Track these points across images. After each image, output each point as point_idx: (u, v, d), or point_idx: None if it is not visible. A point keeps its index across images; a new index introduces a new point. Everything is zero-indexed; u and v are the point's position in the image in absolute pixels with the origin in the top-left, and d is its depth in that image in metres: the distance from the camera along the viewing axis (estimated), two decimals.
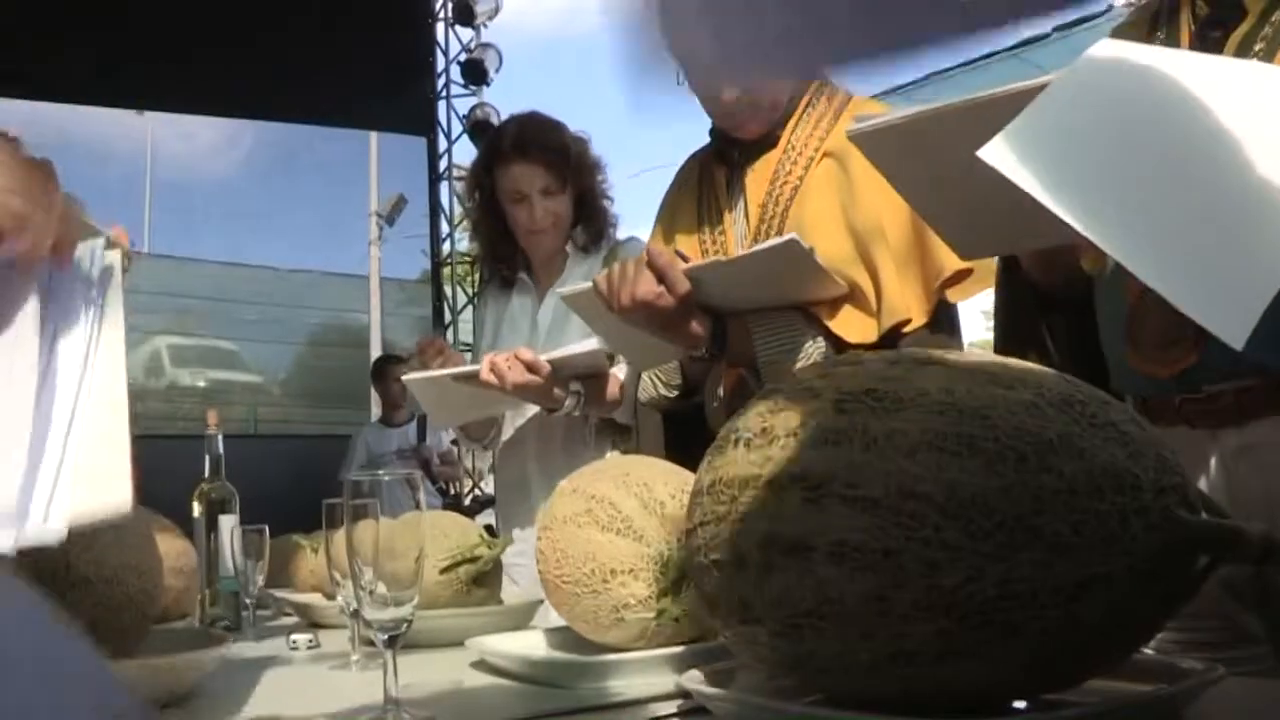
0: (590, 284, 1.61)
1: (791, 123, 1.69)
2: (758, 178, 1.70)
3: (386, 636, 0.89)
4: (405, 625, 0.89)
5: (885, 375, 0.69)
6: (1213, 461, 1.09)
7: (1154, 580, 0.61)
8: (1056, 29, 5.71)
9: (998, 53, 6.01)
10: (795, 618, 0.67)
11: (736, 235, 1.70)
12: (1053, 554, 0.60)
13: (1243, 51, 1.14)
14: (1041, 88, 0.84)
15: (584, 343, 2.00)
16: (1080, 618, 0.60)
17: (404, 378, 2.08)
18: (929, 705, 0.65)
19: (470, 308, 6.61)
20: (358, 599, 0.90)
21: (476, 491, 6.97)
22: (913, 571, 0.62)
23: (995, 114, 0.82)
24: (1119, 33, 1.33)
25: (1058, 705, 0.66)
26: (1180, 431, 1.09)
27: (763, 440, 0.72)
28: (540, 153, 2.13)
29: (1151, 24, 1.29)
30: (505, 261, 2.28)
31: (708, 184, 1.78)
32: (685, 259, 1.56)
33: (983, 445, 0.62)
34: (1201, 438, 1.10)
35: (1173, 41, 1.22)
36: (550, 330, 2.20)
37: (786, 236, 1.48)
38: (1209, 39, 1.19)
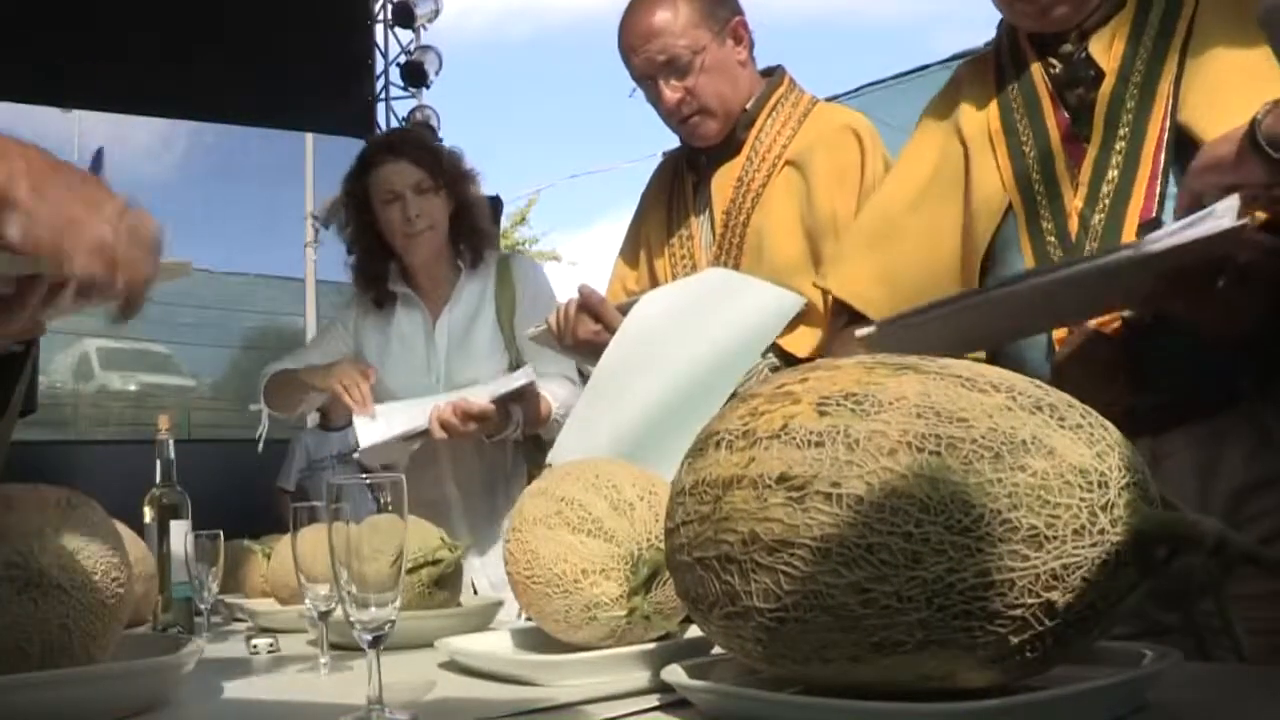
0: (546, 324, 1.70)
1: (755, 127, 1.69)
2: (722, 184, 1.71)
3: (370, 637, 0.90)
4: (389, 626, 0.91)
5: (863, 380, 0.73)
6: None
7: (1120, 570, 0.65)
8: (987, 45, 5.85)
9: (930, 65, 6.16)
10: (780, 611, 0.70)
11: (703, 244, 1.73)
12: (1028, 546, 0.64)
13: (1112, 111, 1.19)
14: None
15: (518, 374, 2.03)
16: (1054, 606, 0.64)
17: (362, 447, 2.06)
18: (910, 692, 0.69)
19: None
20: (341, 600, 0.91)
21: None
22: (895, 564, 0.65)
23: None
24: (959, 83, 1.38)
25: (1033, 690, 0.69)
26: None
27: (745, 443, 0.75)
28: (411, 150, 2.16)
29: (998, 77, 1.32)
30: (377, 280, 2.25)
31: (678, 190, 1.80)
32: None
33: (960, 445, 0.66)
34: None
35: (1032, 104, 1.26)
36: (450, 352, 2.19)
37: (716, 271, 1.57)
38: (1069, 99, 1.23)
